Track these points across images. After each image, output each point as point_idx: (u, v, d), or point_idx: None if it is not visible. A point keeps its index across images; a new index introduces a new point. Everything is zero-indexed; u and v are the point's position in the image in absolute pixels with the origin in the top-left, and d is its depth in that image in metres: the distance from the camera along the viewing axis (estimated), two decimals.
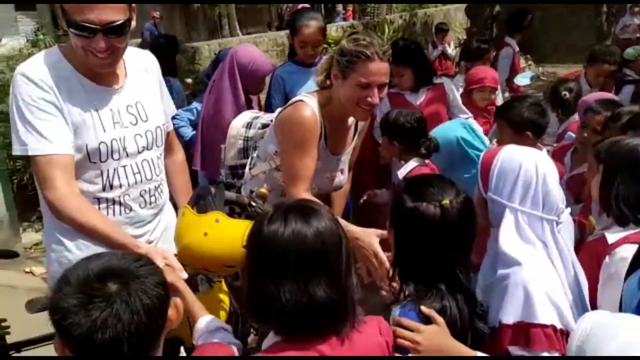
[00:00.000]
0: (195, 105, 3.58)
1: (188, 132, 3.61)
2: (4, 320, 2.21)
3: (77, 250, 1.80)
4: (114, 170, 1.81)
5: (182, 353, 1.25)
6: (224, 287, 1.78)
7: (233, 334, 2.23)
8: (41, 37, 7.20)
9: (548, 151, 2.86)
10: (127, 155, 1.83)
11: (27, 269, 4.41)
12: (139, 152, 1.86)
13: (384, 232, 1.74)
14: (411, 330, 1.38)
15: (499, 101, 4.34)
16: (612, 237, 1.72)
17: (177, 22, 16.59)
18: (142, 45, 8.63)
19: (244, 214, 1.60)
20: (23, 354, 2.22)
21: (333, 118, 2.17)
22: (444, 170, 2.85)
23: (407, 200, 1.47)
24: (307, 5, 4.50)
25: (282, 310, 1.20)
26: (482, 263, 1.67)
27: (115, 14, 1.62)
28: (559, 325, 1.47)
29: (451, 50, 8.19)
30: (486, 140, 3.52)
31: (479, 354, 1.42)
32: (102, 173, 1.80)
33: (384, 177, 3.32)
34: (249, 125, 2.52)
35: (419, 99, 3.39)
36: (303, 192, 2.05)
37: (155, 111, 1.92)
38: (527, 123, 2.59)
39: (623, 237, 1.70)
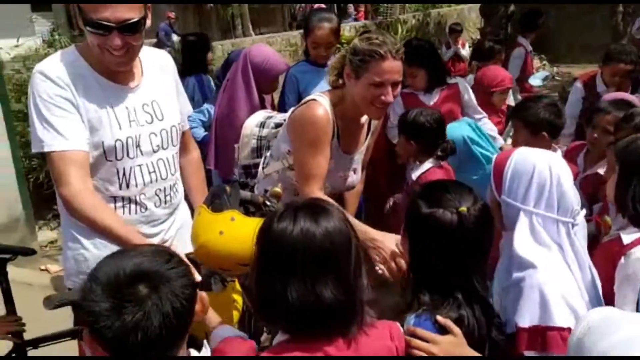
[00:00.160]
0: (207, 106, 3.60)
1: (200, 132, 3.63)
2: (20, 317, 2.24)
3: (94, 248, 1.82)
4: (130, 169, 1.83)
5: (194, 353, 1.25)
6: (237, 286, 1.79)
7: (246, 333, 2.25)
8: (57, 37, 7.26)
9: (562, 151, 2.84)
10: (142, 153, 1.84)
11: (43, 267, 4.46)
12: (154, 151, 1.88)
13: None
14: (427, 341, 1.34)
15: (510, 101, 4.33)
16: (627, 237, 1.70)
17: (191, 22, 16.67)
18: (157, 45, 8.72)
19: (259, 213, 1.60)
20: (40, 350, 2.25)
21: (346, 117, 2.17)
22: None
23: (423, 206, 1.43)
24: (322, 6, 4.50)
25: (289, 310, 1.20)
26: (496, 267, 1.65)
27: (130, 12, 1.64)
28: None
29: (465, 51, 8.15)
30: (500, 140, 3.52)
31: None
32: (118, 171, 1.81)
33: (397, 178, 3.31)
34: (262, 125, 2.53)
35: (433, 99, 3.38)
36: (316, 191, 2.05)
37: (171, 110, 1.94)
38: (544, 124, 2.57)
39: (639, 237, 1.68)
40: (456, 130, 2.98)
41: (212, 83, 4.18)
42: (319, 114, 2.07)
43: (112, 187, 1.83)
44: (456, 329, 1.35)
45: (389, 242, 1.82)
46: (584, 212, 1.64)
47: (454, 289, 1.40)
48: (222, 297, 1.74)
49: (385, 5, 13.52)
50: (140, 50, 1.79)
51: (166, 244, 1.95)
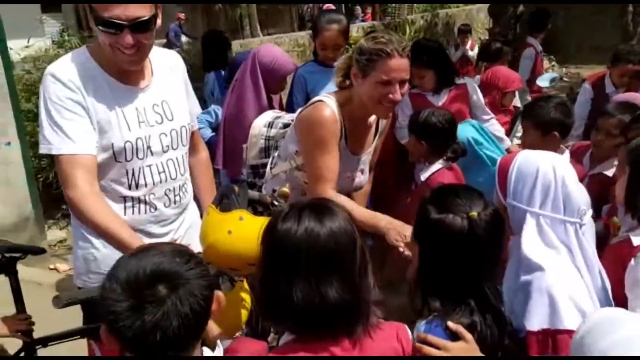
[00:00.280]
0: (214, 107, 3.61)
1: (207, 133, 3.64)
2: (30, 316, 2.26)
3: (104, 247, 1.83)
4: (140, 169, 1.84)
5: (207, 352, 1.26)
6: (246, 286, 1.79)
7: (254, 333, 2.25)
8: (66, 38, 7.32)
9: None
10: (152, 154, 1.85)
11: (52, 266, 4.49)
12: (164, 152, 1.88)
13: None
14: (438, 347, 1.31)
15: (517, 102, 4.33)
16: (637, 239, 1.69)
17: (199, 23, 16.71)
18: (167, 46, 8.76)
19: (267, 213, 1.61)
20: (48, 349, 2.26)
21: (353, 118, 2.17)
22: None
23: (433, 211, 1.41)
24: (332, 7, 4.51)
25: (294, 310, 1.20)
26: (505, 271, 1.63)
27: (141, 10, 1.65)
28: None
29: (473, 53, 8.12)
30: (507, 141, 3.51)
31: None
32: (127, 172, 1.82)
33: (405, 179, 3.31)
34: (270, 125, 2.54)
35: (441, 99, 3.37)
36: (329, 191, 2.04)
37: (180, 110, 1.94)
38: (555, 123, 2.57)
39: None
40: (460, 131, 2.97)
41: None
42: (326, 114, 2.07)
43: (121, 187, 1.84)
44: (468, 335, 1.33)
45: (405, 227, 1.83)
46: (590, 212, 1.63)
47: (465, 295, 1.37)
48: (231, 296, 1.73)
49: (394, 5, 13.50)
50: (151, 49, 1.80)
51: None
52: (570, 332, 1.40)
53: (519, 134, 3.90)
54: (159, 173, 1.88)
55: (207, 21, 17.37)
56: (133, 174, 1.84)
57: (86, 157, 1.73)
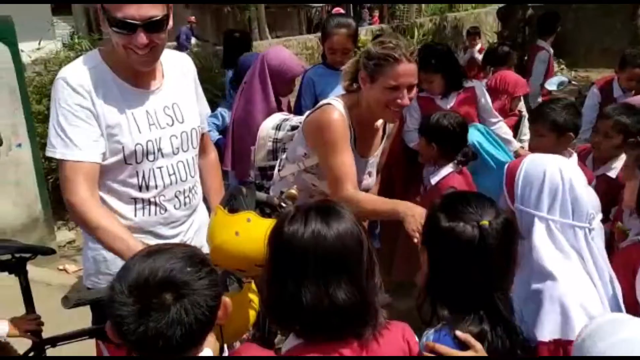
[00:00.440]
0: (220, 110, 3.62)
1: (214, 136, 3.65)
2: (39, 316, 2.27)
3: None
4: (150, 171, 1.85)
5: (207, 352, 1.27)
6: (254, 287, 1.80)
7: (261, 335, 2.25)
8: (77, 40, 7.38)
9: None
10: (163, 156, 1.86)
11: (61, 267, 4.52)
12: (174, 154, 1.90)
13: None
14: (447, 356, 1.29)
15: (521, 106, 4.33)
16: None
17: (209, 26, 16.82)
18: (178, 48, 8.83)
19: (274, 215, 1.61)
20: (57, 349, 2.28)
21: (361, 121, 2.17)
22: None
23: (443, 219, 1.38)
24: (341, 10, 4.51)
25: (303, 312, 1.19)
26: (515, 278, 1.57)
27: (154, 9, 1.66)
28: None
29: (481, 56, 8.10)
30: (515, 144, 3.50)
31: None
32: (137, 174, 1.84)
33: (413, 182, 3.31)
34: (278, 127, 2.55)
35: (449, 103, 3.36)
36: (350, 189, 2.02)
37: (191, 113, 1.96)
38: (569, 124, 2.58)
39: None
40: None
41: None
42: (335, 117, 2.08)
43: (131, 189, 1.85)
44: (477, 345, 1.30)
45: (422, 211, 1.80)
46: (600, 216, 1.60)
47: (474, 304, 1.34)
48: (239, 297, 1.74)
49: (402, 9, 13.50)
50: (163, 49, 1.81)
51: None
52: None
53: (525, 137, 3.91)
54: (169, 175, 1.89)
55: (217, 24, 17.48)
56: (143, 176, 1.85)
57: (89, 165, 1.75)
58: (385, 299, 1.32)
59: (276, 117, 2.65)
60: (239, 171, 3.26)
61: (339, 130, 2.08)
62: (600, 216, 1.58)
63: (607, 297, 1.50)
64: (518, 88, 4.10)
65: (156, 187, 1.87)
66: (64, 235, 5.21)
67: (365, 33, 10.09)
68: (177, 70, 1.95)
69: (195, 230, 2.02)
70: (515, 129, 4.17)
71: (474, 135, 2.98)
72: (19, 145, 4.43)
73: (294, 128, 2.49)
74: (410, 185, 3.31)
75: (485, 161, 2.99)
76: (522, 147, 3.59)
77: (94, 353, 2.14)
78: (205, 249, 1.69)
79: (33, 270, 2.41)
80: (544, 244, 1.49)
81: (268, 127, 2.58)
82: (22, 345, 2.26)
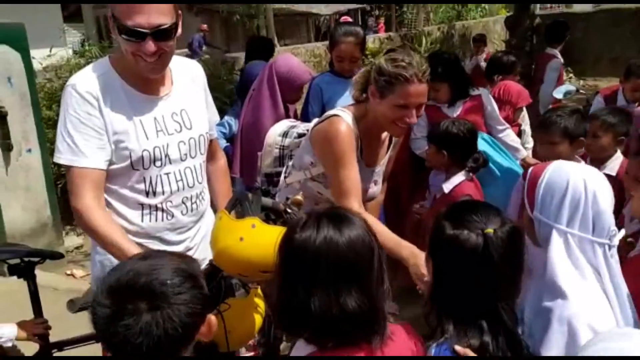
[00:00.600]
0: (227, 119, 3.64)
1: (222, 143, 3.67)
2: (47, 320, 2.29)
3: None
4: (157, 177, 1.86)
5: None
6: (260, 292, 1.80)
7: (266, 340, 2.26)
8: (87, 47, 7.46)
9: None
10: (170, 162, 1.88)
11: (69, 272, 4.55)
12: (182, 160, 1.91)
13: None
14: None
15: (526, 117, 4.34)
16: None
17: (218, 34, 16.95)
18: (190, 56, 8.92)
19: (280, 221, 1.62)
20: (64, 352, 2.29)
21: (368, 131, 2.17)
22: None
23: (447, 227, 1.36)
24: (348, 19, 4.52)
25: (312, 319, 1.19)
26: (527, 287, 1.53)
27: (163, 18, 1.69)
28: None
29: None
30: (523, 152, 3.50)
31: None
32: (144, 180, 1.85)
33: (418, 188, 3.31)
34: (285, 134, 2.55)
35: (456, 111, 3.37)
36: (355, 205, 2.00)
37: (199, 119, 1.97)
38: (581, 130, 2.60)
39: None
40: None
41: None
42: (342, 129, 2.08)
43: (139, 195, 1.86)
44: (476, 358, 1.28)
45: (417, 259, 1.80)
46: (622, 233, 1.49)
47: (477, 317, 1.32)
48: (245, 302, 1.75)
49: (410, 17, 13.54)
50: (172, 56, 1.83)
51: (191, 251, 1.99)
52: None
53: (528, 146, 3.91)
54: (177, 181, 1.91)
55: (226, 32, 17.61)
56: (151, 182, 1.86)
57: (96, 172, 1.77)
58: (392, 306, 1.32)
59: (283, 124, 2.66)
60: (247, 177, 3.27)
61: (346, 142, 2.08)
62: (622, 233, 1.49)
63: (623, 317, 1.41)
64: (521, 99, 4.12)
65: (163, 193, 1.88)
66: (71, 240, 5.24)
67: (373, 41, 10.13)
68: (186, 77, 1.97)
69: (202, 236, 2.03)
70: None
71: (480, 145, 2.98)
72: (29, 150, 4.48)
73: (300, 135, 2.49)
74: (416, 192, 3.31)
75: (490, 170, 2.99)
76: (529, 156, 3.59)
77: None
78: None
79: (41, 275, 2.43)
80: (560, 259, 1.41)
81: (275, 133, 2.59)
82: (29, 349, 2.28)
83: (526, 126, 4.18)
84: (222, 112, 4.03)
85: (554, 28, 5.62)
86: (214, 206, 2.14)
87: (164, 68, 1.83)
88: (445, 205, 1.60)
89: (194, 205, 1.98)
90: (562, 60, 5.42)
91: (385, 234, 1.96)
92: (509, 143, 3.41)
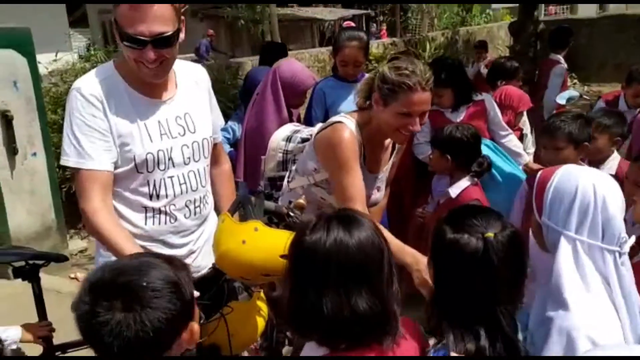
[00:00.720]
0: (231, 124, 3.66)
1: (226, 148, 3.68)
2: (51, 323, 2.30)
3: None
4: (161, 180, 1.87)
5: None
6: (262, 296, 1.81)
7: (269, 344, 2.26)
8: (93, 52, 7.51)
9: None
10: (174, 165, 1.89)
11: (72, 275, 4.56)
12: (186, 163, 1.92)
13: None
14: None
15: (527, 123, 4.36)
16: None
17: (223, 40, 17.02)
18: (197, 61, 8.98)
19: (282, 224, 1.63)
20: (68, 355, 2.31)
21: (372, 138, 2.18)
22: None
23: (448, 231, 1.36)
24: (352, 24, 4.53)
25: (323, 321, 1.20)
26: (534, 295, 1.51)
27: (164, 26, 1.70)
28: None
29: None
30: (525, 157, 3.50)
31: None
32: (148, 183, 1.86)
33: (421, 193, 3.32)
34: (288, 139, 2.56)
35: (459, 116, 3.37)
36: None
37: (203, 123, 1.98)
38: (585, 134, 2.61)
39: None
40: None
41: None
42: (345, 136, 2.08)
43: (142, 198, 1.88)
44: None
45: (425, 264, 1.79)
46: (632, 240, 1.43)
47: (476, 321, 1.31)
48: (248, 306, 1.76)
49: (414, 22, 13.58)
50: (173, 62, 1.84)
51: (194, 254, 2.00)
52: None
53: (529, 150, 3.92)
54: (180, 184, 1.92)
55: (231, 37, 17.68)
56: (154, 185, 1.87)
57: (103, 173, 1.79)
58: (399, 308, 1.32)
59: (287, 129, 2.67)
60: (250, 181, 3.28)
61: (350, 149, 2.08)
62: (632, 240, 1.44)
63: (632, 329, 1.36)
64: (522, 104, 4.14)
65: (167, 196, 1.89)
66: (76, 244, 5.26)
67: (377, 46, 10.16)
68: (190, 81, 1.98)
69: (205, 239, 2.04)
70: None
71: (483, 151, 2.99)
72: (34, 154, 4.50)
73: (304, 140, 2.50)
74: (419, 197, 3.32)
75: (492, 175, 3.00)
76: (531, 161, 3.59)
77: None
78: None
79: (45, 278, 2.44)
80: (567, 268, 1.37)
81: (279, 138, 2.60)
82: (33, 351, 2.29)
83: (527, 131, 4.19)
84: (226, 117, 4.04)
85: (558, 34, 5.62)
86: (217, 210, 2.15)
87: (165, 74, 1.84)
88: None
89: (198, 209, 1.99)
90: (565, 65, 5.43)
91: (388, 239, 1.96)
92: (512, 148, 3.41)
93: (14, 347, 2.10)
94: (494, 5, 18.50)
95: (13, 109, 4.30)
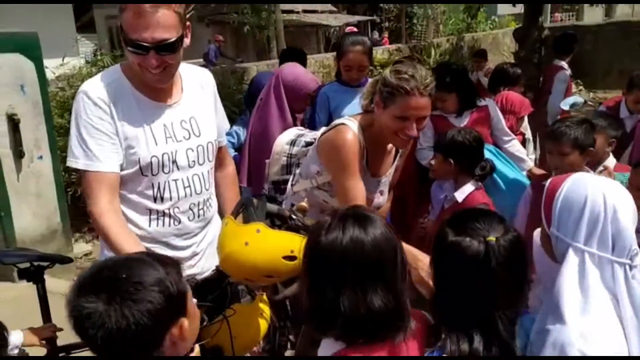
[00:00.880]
0: (235, 128, 3.67)
1: (230, 152, 3.69)
2: (55, 325, 2.32)
3: None
4: (165, 183, 1.89)
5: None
6: (265, 298, 1.82)
7: (271, 346, 2.27)
8: (99, 57, 7.56)
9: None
10: (178, 168, 1.90)
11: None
12: (190, 167, 1.93)
13: None
14: None
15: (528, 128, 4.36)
16: None
17: (229, 45, 17.10)
18: (205, 65, 9.03)
19: (284, 226, 1.64)
20: (71, 356, 2.32)
21: (375, 141, 2.19)
22: None
23: (450, 233, 1.36)
24: (354, 29, 4.55)
25: (342, 319, 1.22)
26: (540, 306, 1.48)
27: (167, 33, 1.72)
28: None
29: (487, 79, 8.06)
30: (529, 162, 3.50)
31: None
32: (153, 185, 1.88)
33: (425, 198, 3.32)
34: (292, 143, 2.58)
35: (463, 121, 3.37)
36: None
37: (208, 126, 1.99)
38: (590, 139, 2.61)
39: None
40: None
41: None
42: (348, 138, 2.10)
43: (147, 200, 1.89)
44: None
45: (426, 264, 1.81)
46: None
47: (474, 324, 1.30)
48: (251, 308, 1.77)
49: (420, 29, 13.61)
50: (177, 67, 1.86)
51: (197, 257, 2.01)
52: None
53: (532, 156, 3.92)
54: (184, 187, 1.93)
55: (236, 43, 17.76)
56: (159, 188, 1.89)
57: (110, 175, 1.80)
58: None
59: (291, 132, 2.68)
60: (254, 186, 3.29)
61: (352, 152, 2.09)
62: None
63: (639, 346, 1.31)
64: (523, 109, 4.15)
65: (171, 199, 1.91)
66: (80, 247, 5.28)
67: (382, 52, 10.18)
68: (196, 85, 2.00)
69: (208, 242, 2.05)
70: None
71: (486, 156, 2.99)
72: (41, 157, 4.53)
73: (308, 144, 2.51)
74: (422, 202, 3.32)
75: (494, 181, 3.00)
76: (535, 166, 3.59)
77: None
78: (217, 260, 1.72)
79: (49, 280, 2.45)
80: (569, 282, 1.33)
81: (283, 142, 2.61)
82: (36, 353, 2.30)
83: (529, 136, 4.19)
84: (231, 122, 4.06)
85: (562, 40, 5.63)
86: (221, 212, 2.16)
87: (169, 79, 1.86)
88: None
89: (201, 212, 2.00)
90: (569, 71, 5.43)
91: None
92: (515, 154, 3.41)
93: (15, 352, 2.11)
94: (499, 12, 18.53)
95: (20, 112, 4.33)
